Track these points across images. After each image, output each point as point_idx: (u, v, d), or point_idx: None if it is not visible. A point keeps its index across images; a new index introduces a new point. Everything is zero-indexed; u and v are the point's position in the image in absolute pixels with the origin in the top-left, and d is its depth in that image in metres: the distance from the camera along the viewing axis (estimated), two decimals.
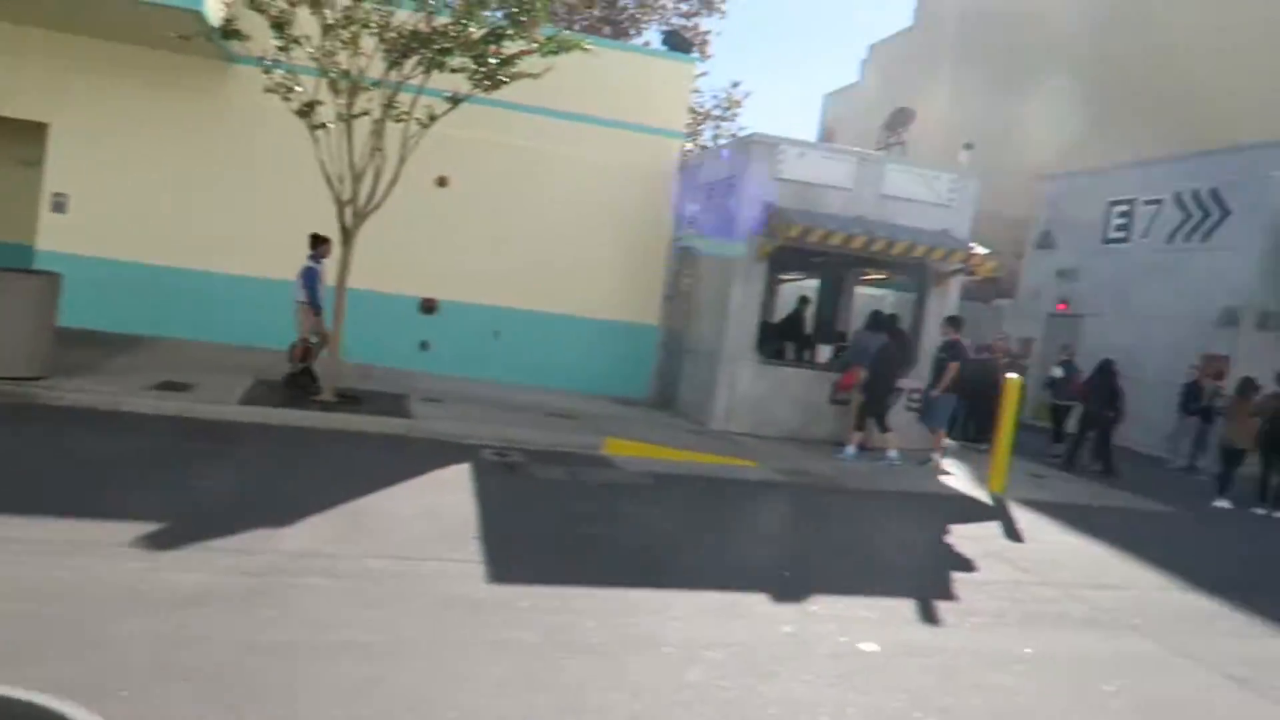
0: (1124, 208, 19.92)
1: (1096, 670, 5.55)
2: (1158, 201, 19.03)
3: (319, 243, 10.70)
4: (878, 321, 12.11)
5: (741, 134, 17.27)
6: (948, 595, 6.68)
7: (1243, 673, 5.77)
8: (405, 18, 9.61)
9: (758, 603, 6.00)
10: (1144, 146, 21.43)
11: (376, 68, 9.66)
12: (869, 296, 17.78)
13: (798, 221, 11.29)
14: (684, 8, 28.32)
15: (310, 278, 10.53)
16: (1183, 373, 16.00)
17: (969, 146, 12.99)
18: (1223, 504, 12.15)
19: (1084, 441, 13.88)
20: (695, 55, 15.74)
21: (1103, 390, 13.79)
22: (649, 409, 14.13)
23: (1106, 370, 14.01)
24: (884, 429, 11.63)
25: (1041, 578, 7.44)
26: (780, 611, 5.87)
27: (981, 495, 10.65)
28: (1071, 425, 14.90)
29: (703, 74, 41.68)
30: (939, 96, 33.88)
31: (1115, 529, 9.67)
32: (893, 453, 11.43)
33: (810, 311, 15.36)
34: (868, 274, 15.67)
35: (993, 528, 9.09)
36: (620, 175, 14.47)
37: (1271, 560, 9.67)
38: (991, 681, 5.16)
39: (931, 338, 12.46)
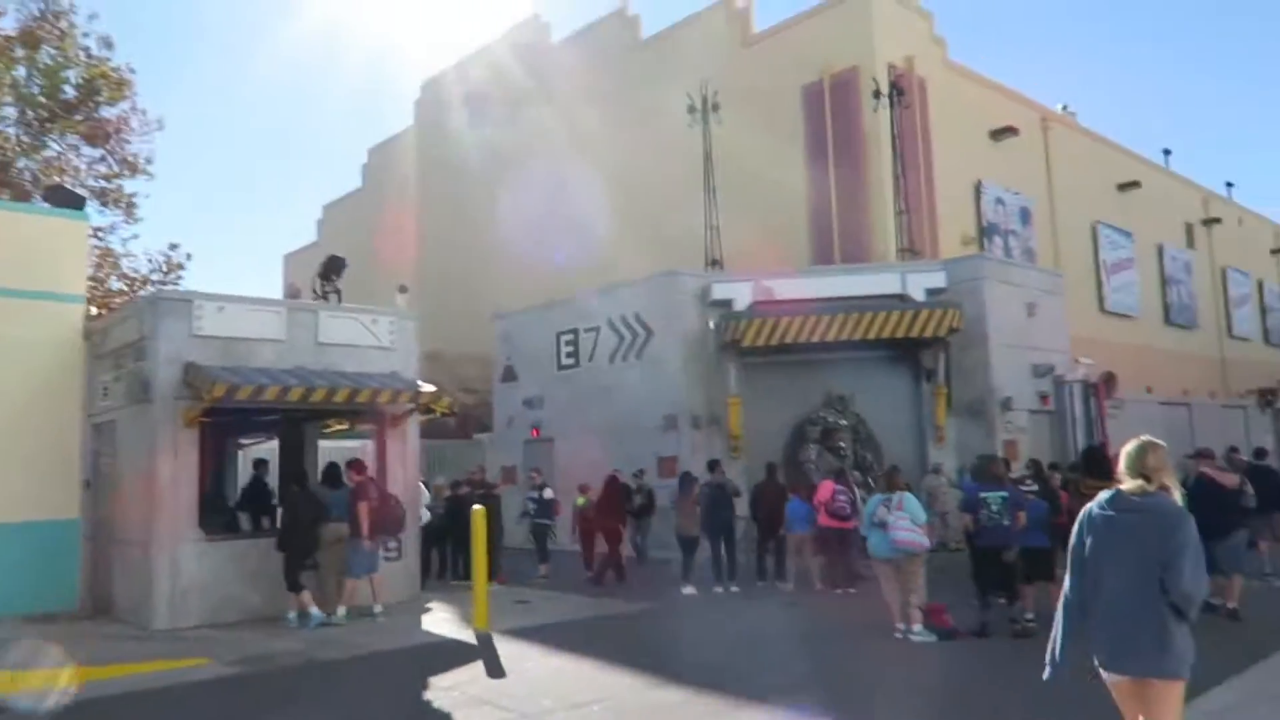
0: (570, 336, 21.64)
1: None
2: (596, 329, 20.97)
3: None
4: (331, 474, 11.24)
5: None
6: None
7: None
8: None
9: None
10: (578, 279, 23.76)
11: None
12: (339, 449, 16.87)
13: (222, 380, 10.11)
14: (101, 169, 25.71)
15: None
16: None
17: (403, 290, 13.04)
18: (689, 590, 13.07)
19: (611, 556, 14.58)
20: (84, 212, 13.89)
21: (614, 503, 14.77)
22: (77, 621, 11.60)
23: (614, 483, 15.04)
24: (296, 588, 10.63)
25: (521, 712, 7.00)
26: None
27: (468, 635, 10.13)
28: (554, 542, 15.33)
29: (134, 236, 38.18)
30: (391, 248, 34.71)
31: (595, 640, 9.73)
32: (292, 614, 10.59)
33: (270, 474, 13.98)
34: (329, 425, 14.79)
35: (476, 669, 8.55)
36: (8, 349, 12.01)
37: (730, 635, 10.38)
38: None
39: (396, 481, 11.91)
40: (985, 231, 26.91)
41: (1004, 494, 9.45)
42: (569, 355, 21.67)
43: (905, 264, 20.50)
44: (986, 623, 9.38)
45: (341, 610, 10.81)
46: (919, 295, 18.90)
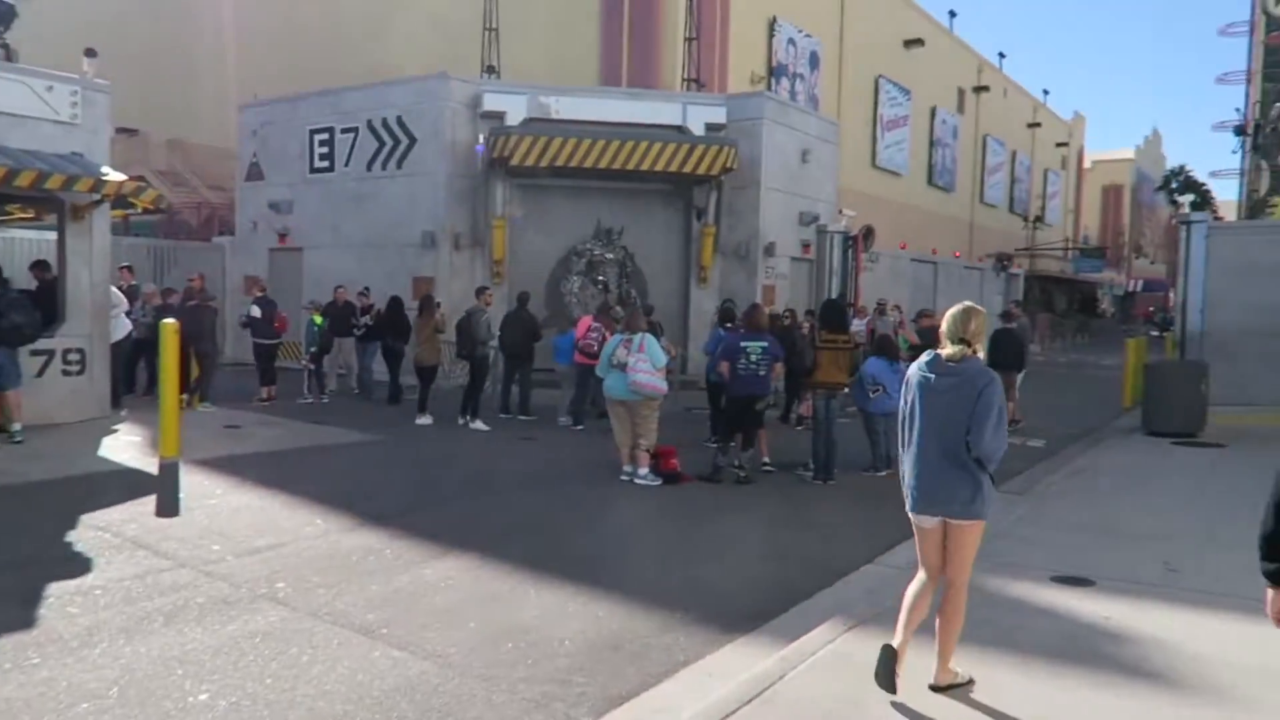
0: (324, 136, 19.52)
1: (196, 673, 4.40)
2: (354, 130, 18.99)
3: None
4: None
5: None
6: (25, 622, 4.95)
7: (374, 619, 5.18)
8: None
9: None
10: (340, 75, 21.37)
11: None
12: (31, 241, 14.54)
13: None
14: None
15: None
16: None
17: (91, 54, 10.66)
18: (423, 421, 12.40)
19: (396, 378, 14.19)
20: None
21: (397, 324, 14.04)
22: None
23: (396, 305, 14.33)
24: None
25: (181, 560, 6.13)
26: None
27: (151, 464, 8.98)
28: (281, 361, 14.07)
29: None
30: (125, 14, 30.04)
31: (300, 474, 8.92)
32: None
33: None
34: (10, 213, 12.54)
35: (145, 505, 7.50)
36: None
37: (451, 473, 9.83)
38: None
39: (79, 284, 10.21)
40: (774, 72, 26.51)
41: (764, 344, 9.27)
42: (323, 157, 19.62)
43: (688, 95, 19.73)
44: (721, 468, 9.32)
45: (17, 426, 9.33)
46: (699, 129, 18.27)
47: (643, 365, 8.79)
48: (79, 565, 5.95)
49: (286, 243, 20.29)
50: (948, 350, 4.10)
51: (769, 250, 18.99)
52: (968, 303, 4.25)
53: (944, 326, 4.16)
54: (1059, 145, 52.21)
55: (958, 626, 4.20)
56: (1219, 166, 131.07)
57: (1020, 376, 13.69)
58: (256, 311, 13.37)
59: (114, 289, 11.45)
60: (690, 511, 8.21)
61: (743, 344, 9.33)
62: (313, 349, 14.08)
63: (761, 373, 9.26)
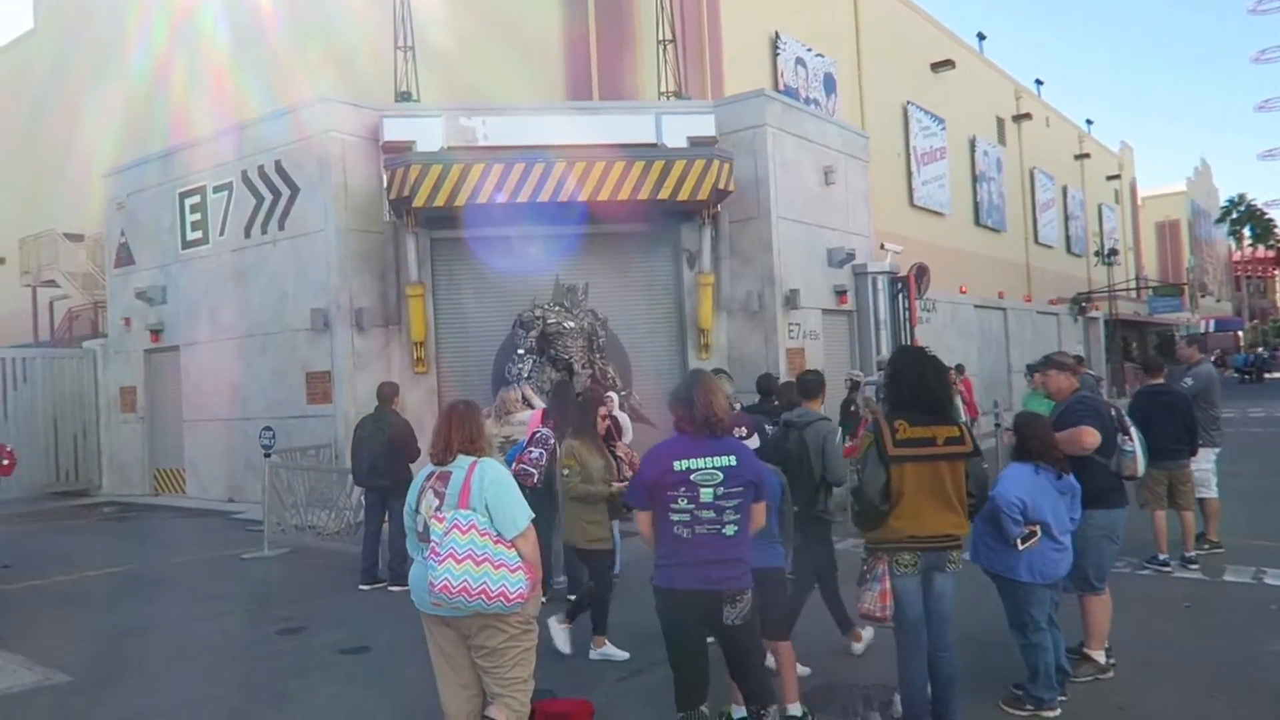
0: (196, 199, 14.96)
1: None
2: (228, 187, 14.40)
3: None
4: None
5: None
6: None
7: None
8: None
9: None
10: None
11: None
12: None
13: None
14: None
15: None
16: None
17: None
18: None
19: None
20: None
21: None
22: None
23: None
24: None
25: None
26: None
27: None
28: None
29: None
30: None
31: None
32: None
33: None
34: None
35: None
36: None
37: None
38: None
39: None
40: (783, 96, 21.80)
41: (730, 458, 3.73)
42: (195, 226, 15.03)
43: (662, 104, 14.89)
44: None
45: None
46: (679, 144, 13.45)
47: (458, 540, 3.54)
48: None
49: (160, 341, 15.60)
50: None
51: (790, 301, 13.89)
52: None
53: None
54: (1110, 178, 46.98)
55: None
56: (1269, 196, 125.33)
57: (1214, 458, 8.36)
58: None
59: None
60: None
61: (676, 464, 3.76)
62: None
63: (729, 530, 3.75)
